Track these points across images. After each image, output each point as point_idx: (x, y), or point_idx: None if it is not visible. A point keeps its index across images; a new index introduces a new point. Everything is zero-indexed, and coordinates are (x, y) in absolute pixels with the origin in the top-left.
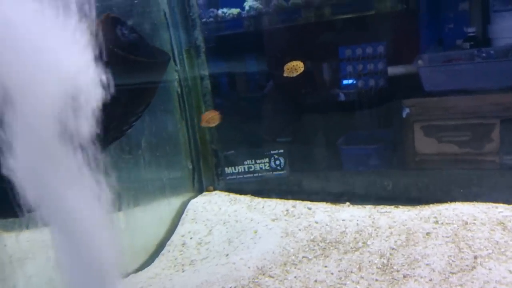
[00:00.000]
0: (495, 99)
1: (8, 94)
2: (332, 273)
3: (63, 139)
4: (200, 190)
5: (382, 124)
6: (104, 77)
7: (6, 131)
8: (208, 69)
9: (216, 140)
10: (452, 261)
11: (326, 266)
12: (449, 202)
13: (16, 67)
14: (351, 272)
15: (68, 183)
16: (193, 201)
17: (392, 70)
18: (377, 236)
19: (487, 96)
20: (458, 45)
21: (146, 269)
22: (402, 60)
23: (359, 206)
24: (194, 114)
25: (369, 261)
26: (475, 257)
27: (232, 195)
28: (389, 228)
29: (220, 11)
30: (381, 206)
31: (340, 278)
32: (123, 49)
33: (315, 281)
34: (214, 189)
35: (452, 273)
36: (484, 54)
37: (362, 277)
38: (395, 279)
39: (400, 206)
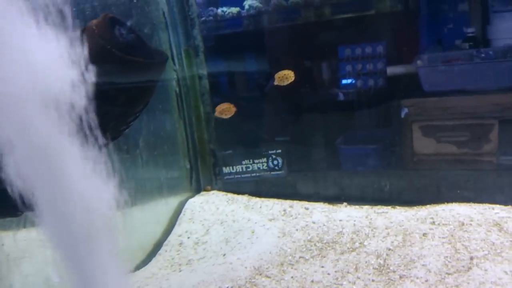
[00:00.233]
0: (494, 100)
1: None
2: (328, 274)
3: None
4: (198, 190)
5: (381, 124)
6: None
7: None
8: (206, 68)
9: (214, 139)
10: (448, 262)
11: (323, 267)
12: (446, 203)
13: None
14: (348, 272)
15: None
16: (190, 200)
17: (391, 70)
18: (374, 236)
19: (485, 96)
20: (457, 46)
21: (143, 269)
22: (401, 60)
23: (357, 206)
24: (192, 114)
25: (366, 262)
26: (471, 258)
27: (230, 195)
28: (386, 228)
29: (219, 10)
30: (378, 207)
31: (337, 279)
32: (121, 49)
33: (312, 281)
34: (212, 189)
35: (448, 274)
36: (483, 55)
37: (358, 278)
38: (392, 280)
39: (397, 207)
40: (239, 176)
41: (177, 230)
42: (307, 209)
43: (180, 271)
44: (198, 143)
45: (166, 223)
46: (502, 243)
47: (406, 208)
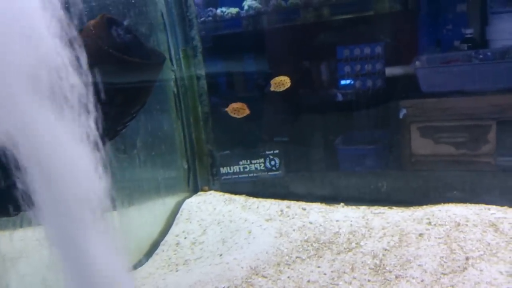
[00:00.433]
0: (492, 101)
1: None
2: (325, 274)
3: None
4: (195, 190)
5: (379, 124)
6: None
7: None
8: (204, 69)
9: (212, 140)
10: (444, 262)
11: (319, 267)
12: (442, 203)
13: None
14: (344, 272)
15: None
16: (188, 201)
17: (390, 71)
18: (370, 237)
19: (484, 97)
20: (456, 47)
21: (140, 269)
22: (400, 61)
23: (353, 206)
24: (190, 114)
25: (362, 262)
26: (467, 258)
27: (227, 195)
28: (383, 229)
29: (219, 10)
30: (375, 207)
31: (333, 279)
32: (118, 49)
33: (308, 281)
34: (209, 189)
35: (444, 274)
36: (481, 56)
37: (354, 278)
38: (387, 280)
39: (394, 207)
40: (237, 176)
41: (174, 230)
42: (304, 209)
43: (177, 271)
44: (196, 143)
45: (163, 223)
46: (497, 243)
47: (403, 208)
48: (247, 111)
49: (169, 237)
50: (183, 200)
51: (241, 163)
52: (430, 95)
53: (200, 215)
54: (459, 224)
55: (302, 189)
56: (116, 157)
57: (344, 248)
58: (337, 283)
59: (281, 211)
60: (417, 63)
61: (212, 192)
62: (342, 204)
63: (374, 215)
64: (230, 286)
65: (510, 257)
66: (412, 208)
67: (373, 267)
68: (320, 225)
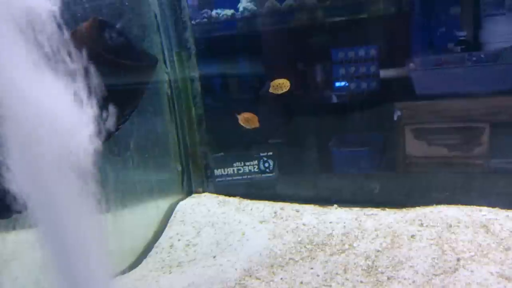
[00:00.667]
0: (485, 103)
1: None
2: (318, 275)
3: None
4: (189, 192)
5: (373, 126)
6: None
7: None
8: (198, 71)
9: (206, 142)
10: (436, 263)
11: (312, 268)
12: (434, 205)
13: None
14: (337, 274)
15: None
16: (181, 203)
17: (384, 73)
18: (363, 238)
19: (477, 100)
20: (450, 49)
21: (133, 271)
22: (394, 63)
23: (347, 208)
24: (184, 116)
25: (355, 263)
26: (458, 259)
27: (221, 197)
28: (375, 230)
29: (214, 12)
30: (368, 209)
31: (326, 280)
32: (110, 52)
33: (301, 282)
34: (203, 191)
35: (435, 275)
36: (474, 58)
37: (347, 279)
38: (379, 281)
39: (387, 209)
40: (231, 178)
41: (168, 232)
42: (297, 211)
43: (170, 273)
44: (190, 145)
45: (157, 225)
46: (488, 244)
47: (395, 210)
48: (257, 124)
49: (162, 239)
50: (177, 202)
51: (235, 165)
52: (424, 97)
53: (194, 217)
54: (450, 226)
55: (296, 191)
56: (109, 159)
57: (337, 250)
58: (329, 285)
59: (275, 213)
60: (411, 65)
61: (206, 194)
62: (335, 205)
63: (367, 217)
64: None
65: (500, 258)
66: (404, 210)
67: (365, 268)
68: (314, 227)
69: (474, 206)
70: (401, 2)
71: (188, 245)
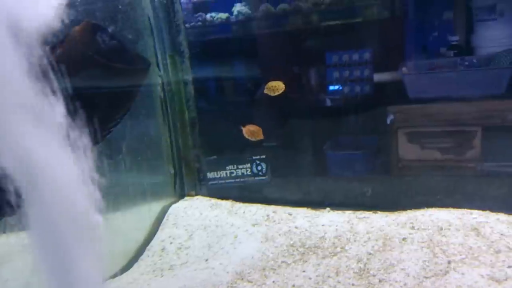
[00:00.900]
0: (477, 107)
1: None
2: (310, 278)
3: None
4: (182, 195)
5: (367, 130)
6: None
7: None
8: (192, 74)
9: (199, 145)
10: (427, 265)
11: (304, 271)
12: (426, 208)
13: None
14: (329, 276)
15: None
16: (174, 206)
17: (378, 77)
18: (355, 241)
19: (469, 103)
20: (442, 53)
21: (124, 274)
22: (388, 67)
23: (339, 211)
24: (177, 119)
25: (347, 266)
26: (449, 262)
27: (214, 200)
28: (367, 233)
29: (208, 16)
30: (360, 212)
31: (318, 283)
32: (103, 55)
33: (293, 285)
34: (196, 194)
35: (426, 277)
36: (467, 63)
37: (339, 282)
38: (371, 284)
39: (379, 212)
40: (223, 181)
41: (160, 235)
42: (290, 214)
43: (162, 276)
44: (183, 148)
45: (149, 228)
46: (479, 247)
47: (387, 213)
48: (262, 136)
49: (154, 242)
50: (170, 205)
51: (228, 168)
52: (417, 101)
53: (187, 220)
54: (441, 228)
55: (288, 194)
56: (101, 162)
57: (329, 253)
58: (321, 287)
59: (267, 216)
60: (404, 69)
61: (198, 197)
62: (328, 209)
63: (359, 220)
64: None
65: (491, 261)
66: (396, 213)
67: (357, 271)
68: (306, 230)
69: (465, 209)
70: (394, 7)
71: (180, 248)
